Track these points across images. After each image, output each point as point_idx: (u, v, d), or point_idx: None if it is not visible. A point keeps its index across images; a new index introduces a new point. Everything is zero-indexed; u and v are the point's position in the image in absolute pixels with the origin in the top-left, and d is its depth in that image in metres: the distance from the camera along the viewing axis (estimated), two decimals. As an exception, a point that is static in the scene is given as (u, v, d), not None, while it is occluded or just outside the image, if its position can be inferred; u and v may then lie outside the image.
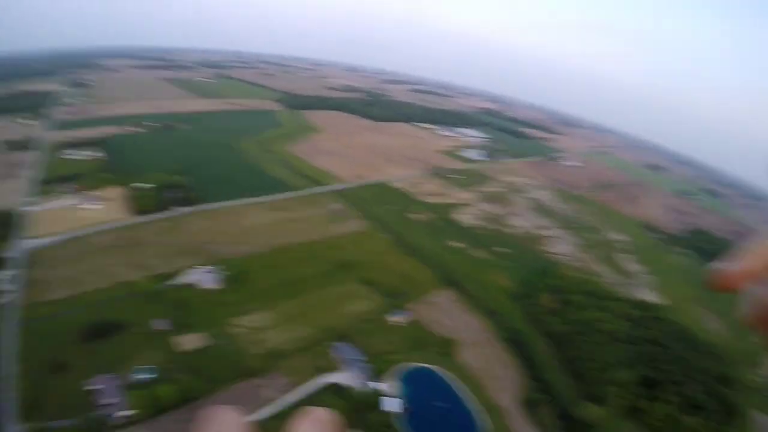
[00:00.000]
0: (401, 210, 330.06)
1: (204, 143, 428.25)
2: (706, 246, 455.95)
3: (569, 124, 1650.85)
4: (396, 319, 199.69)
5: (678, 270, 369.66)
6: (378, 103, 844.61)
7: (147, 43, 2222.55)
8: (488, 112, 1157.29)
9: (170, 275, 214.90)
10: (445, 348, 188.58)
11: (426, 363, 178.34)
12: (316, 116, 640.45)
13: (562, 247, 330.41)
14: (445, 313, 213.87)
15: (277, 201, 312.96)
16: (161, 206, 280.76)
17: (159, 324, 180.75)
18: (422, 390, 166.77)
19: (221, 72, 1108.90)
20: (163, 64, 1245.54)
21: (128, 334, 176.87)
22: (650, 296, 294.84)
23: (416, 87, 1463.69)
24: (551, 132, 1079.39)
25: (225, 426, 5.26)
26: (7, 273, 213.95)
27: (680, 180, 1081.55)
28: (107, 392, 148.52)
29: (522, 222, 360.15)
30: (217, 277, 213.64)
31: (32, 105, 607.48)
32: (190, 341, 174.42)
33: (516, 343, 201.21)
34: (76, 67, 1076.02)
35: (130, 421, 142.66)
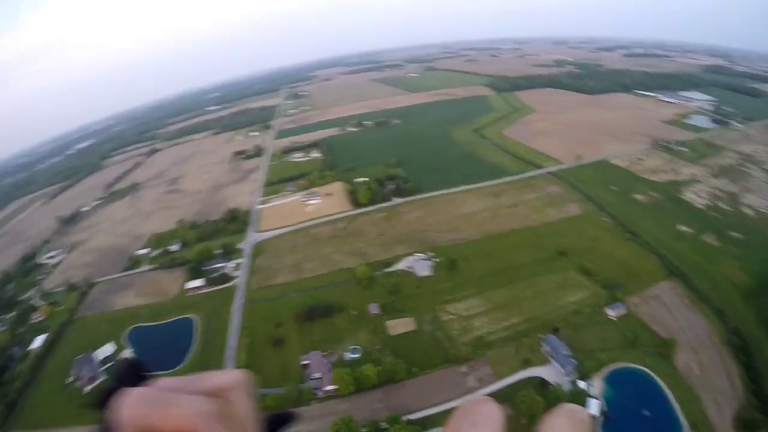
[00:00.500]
0: (623, 190, 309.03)
1: (417, 136, 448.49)
2: None
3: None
4: (612, 312, 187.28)
5: None
6: (591, 75, 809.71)
7: (356, 50, 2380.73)
8: (715, 69, 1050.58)
9: (386, 263, 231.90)
10: (661, 348, 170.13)
11: (638, 364, 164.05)
12: (527, 96, 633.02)
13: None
14: (666, 308, 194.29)
15: (492, 187, 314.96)
16: (379, 198, 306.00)
17: (373, 308, 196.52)
18: (629, 394, 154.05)
19: (428, 65, 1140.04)
20: (372, 66, 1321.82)
21: (343, 316, 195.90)
22: None
23: (632, 51, 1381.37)
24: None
25: (483, 419, 5.04)
26: (239, 261, 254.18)
27: None
28: (316, 367, 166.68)
29: (760, 200, 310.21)
30: (430, 265, 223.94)
31: (259, 119, 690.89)
32: (400, 326, 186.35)
33: (744, 351, 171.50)
34: (294, 82, 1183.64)
35: (332, 396, 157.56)
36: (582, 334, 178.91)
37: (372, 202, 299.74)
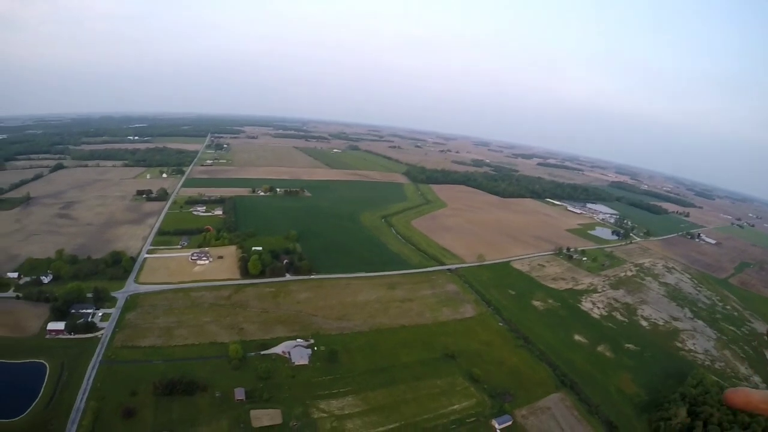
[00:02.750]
0: (522, 295, 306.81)
1: (325, 212, 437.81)
2: None
3: (705, 194, 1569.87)
4: (498, 425, 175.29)
5: None
6: (505, 178, 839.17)
7: (289, 114, 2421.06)
8: (621, 185, 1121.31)
9: (263, 344, 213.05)
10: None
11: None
12: (441, 190, 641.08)
13: (699, 343, 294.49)
14: (555, 421, 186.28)
15: (390, 278, 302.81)
16: (271, 271, 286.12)
17: (239, 393, 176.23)
18: None
19: (353, 144, 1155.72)
20: (299, 134, 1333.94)
21: (206, 397, 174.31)
22: None
23: (545, 161, 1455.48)
24: (687, 205, 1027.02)
25: None
26: (109, 311, 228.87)
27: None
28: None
29: (655, 312, 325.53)
30: (309, 353, 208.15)
31: (175, 161, 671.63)
32: (266, 417, 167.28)
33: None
34: (220, 132, 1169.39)
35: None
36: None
37: (263, 274, 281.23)
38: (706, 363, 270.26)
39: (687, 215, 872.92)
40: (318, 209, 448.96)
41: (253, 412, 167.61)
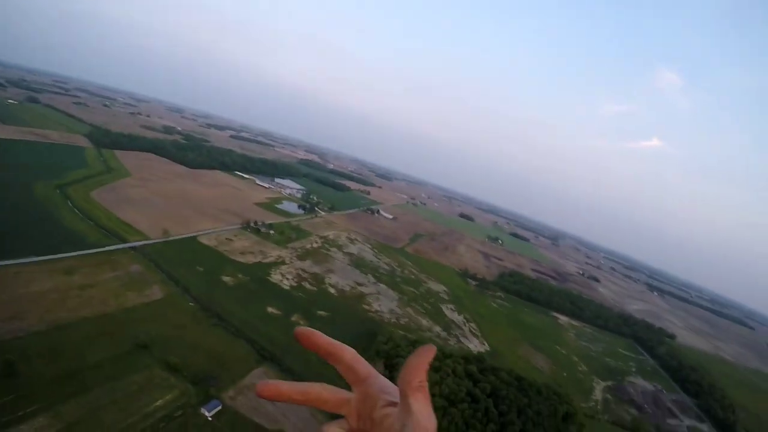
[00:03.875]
0: (211, 271, 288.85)
1: None
2: (519, 287, 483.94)
3: (385, 176, 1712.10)
4: (208, 412, 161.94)
5: (497, 314, 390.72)
6: (196, 148, 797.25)
7: None
8: (308, 163, 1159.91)
9: None
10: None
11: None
12: (127, 157, 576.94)
13: (384, 304, 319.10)
14: None
15: (67, 261, 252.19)
16: None
17: None
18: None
19: (33, 95, 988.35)
20: None
21: None
22: (478, 345, 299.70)
23: (239, 134, 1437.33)
24: (368, 184, 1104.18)
25: None
26: None
27: (489, 227, 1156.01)
28: None
29: (341, 280, 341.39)
30: None
31: None
32: None
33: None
34: None
35: None
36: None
37: None
38: (392, 320, 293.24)
39: (368, 193, 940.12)
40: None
41: None
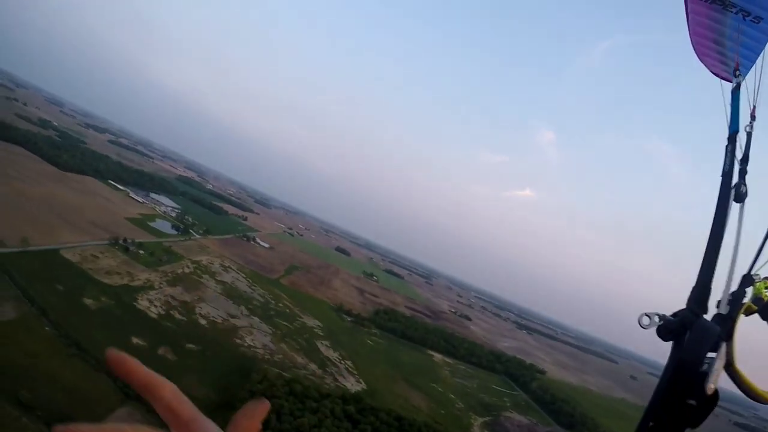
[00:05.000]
0: (72, 291, 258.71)
1: None
2: (395, 324, 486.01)
3: (263, 202, 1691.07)
4: None
5: (373, 351, 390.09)
6: (71, 149, 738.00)
7: None
8: (187, 180, 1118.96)
9: None
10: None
11: None
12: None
13: (257, 338, 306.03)
14: None
15: None
16: None
17: None
18: None
19: None
20: None
21: None
22: (355, 384, 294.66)
23: (118, 139, 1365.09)
24: (246, 209, 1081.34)
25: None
26: None
27: (365, 262, 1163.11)
28: None
29: (213, 310, 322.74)
30: None
31: None
32: None
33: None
34: None
35: None
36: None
37: None
38: (266, 357, 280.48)
39: (245, 219, 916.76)
40: None
41: None
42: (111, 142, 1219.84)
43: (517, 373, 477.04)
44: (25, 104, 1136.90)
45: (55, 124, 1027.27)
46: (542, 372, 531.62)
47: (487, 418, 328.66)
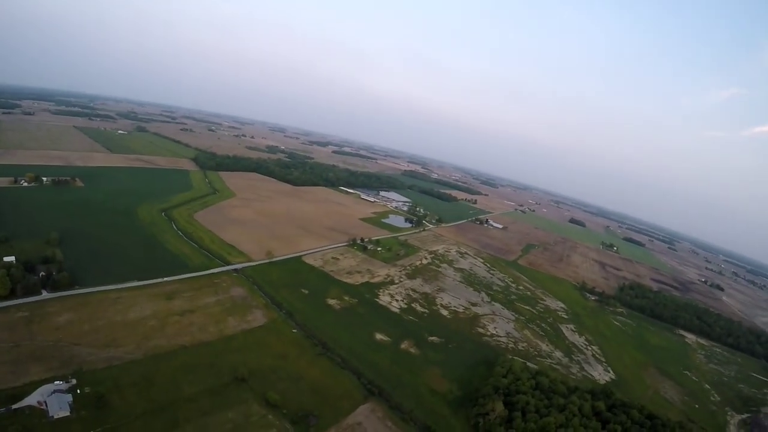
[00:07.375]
0: (316, 294, 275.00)
1: (98, 207, 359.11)
2: (642, 301, 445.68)
3: (489, 183, 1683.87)
4: None
5: (620, 333, 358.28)
6: (299, 165, 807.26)
7: (76, 89, 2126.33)
8: (412, 174, 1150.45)
9: (14, 394, 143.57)
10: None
11: None
12: (231, 178, 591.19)
13: (501, 325, 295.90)
14: None
15: (168, 285, 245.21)
16: (24, 289, 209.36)
17: None
18: None
19: (141, 125, 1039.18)
20: (82, 111, 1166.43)
21: None
22: (603, 374, 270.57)
23: (341, 149, 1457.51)
24: (474, 192, 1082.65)
25: None
26: None
27: (602, 232, 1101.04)
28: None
29: (453, 299, 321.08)
30: (70, 399, 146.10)
31: None
32: None
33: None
34: None
35: None
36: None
37: (13, 294, 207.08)
38: (510, 346, 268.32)
39: (475, 202, 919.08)
40: (90, 203, 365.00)
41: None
42: (335, 152, 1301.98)
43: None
44: (252, 137, 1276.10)
45: (282, 147, 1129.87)
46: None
47: (744, 415, 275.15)
